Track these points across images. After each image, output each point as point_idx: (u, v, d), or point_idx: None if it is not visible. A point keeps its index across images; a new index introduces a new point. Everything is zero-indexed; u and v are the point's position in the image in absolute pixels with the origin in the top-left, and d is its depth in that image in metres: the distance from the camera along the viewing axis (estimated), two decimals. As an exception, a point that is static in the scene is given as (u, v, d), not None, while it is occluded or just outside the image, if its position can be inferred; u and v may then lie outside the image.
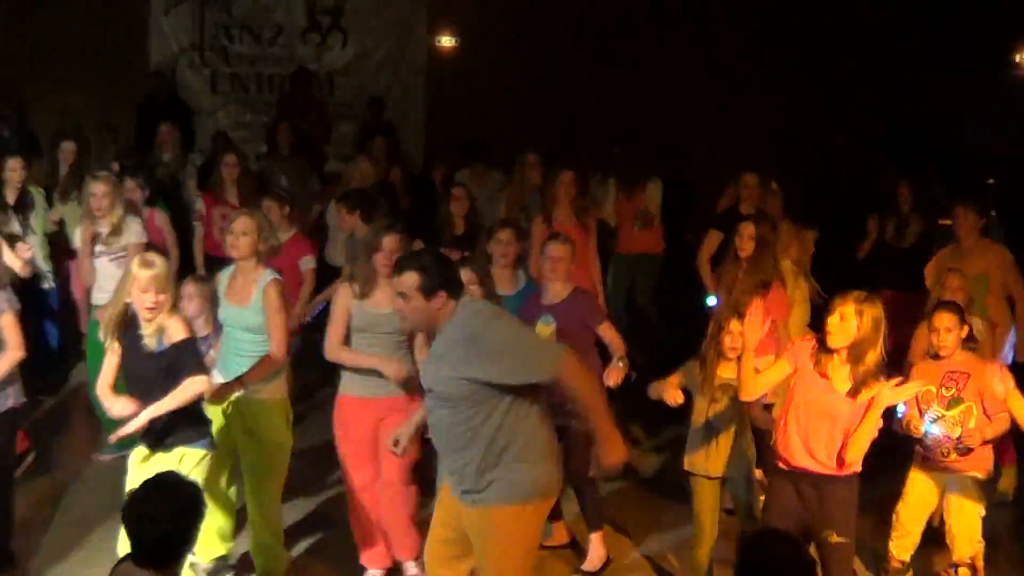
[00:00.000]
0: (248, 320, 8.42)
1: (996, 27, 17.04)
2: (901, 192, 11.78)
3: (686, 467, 8.66)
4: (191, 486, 5.47)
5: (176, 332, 7.39)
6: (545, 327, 8.60)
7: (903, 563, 8.85)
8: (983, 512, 8.58)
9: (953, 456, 8.28)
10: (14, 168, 11.60)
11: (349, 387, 8.54)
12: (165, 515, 5.20)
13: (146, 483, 5.42)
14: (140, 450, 7.73)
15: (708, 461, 8.60)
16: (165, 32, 18.49)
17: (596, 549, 9.32)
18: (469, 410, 6.79)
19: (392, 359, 8.22)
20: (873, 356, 7.33)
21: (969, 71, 17.31)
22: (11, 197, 11.48)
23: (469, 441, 6.83)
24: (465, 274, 7.66)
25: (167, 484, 5.37)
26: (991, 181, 14.68)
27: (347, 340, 8.32)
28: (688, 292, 11.48)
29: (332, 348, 8.16)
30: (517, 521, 6.87)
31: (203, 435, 7.79)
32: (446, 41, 18.75)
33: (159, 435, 7.61)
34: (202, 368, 7.57)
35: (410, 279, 6.61)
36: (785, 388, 7.83)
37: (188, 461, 7.64)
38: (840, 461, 7.56)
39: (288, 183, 13.23)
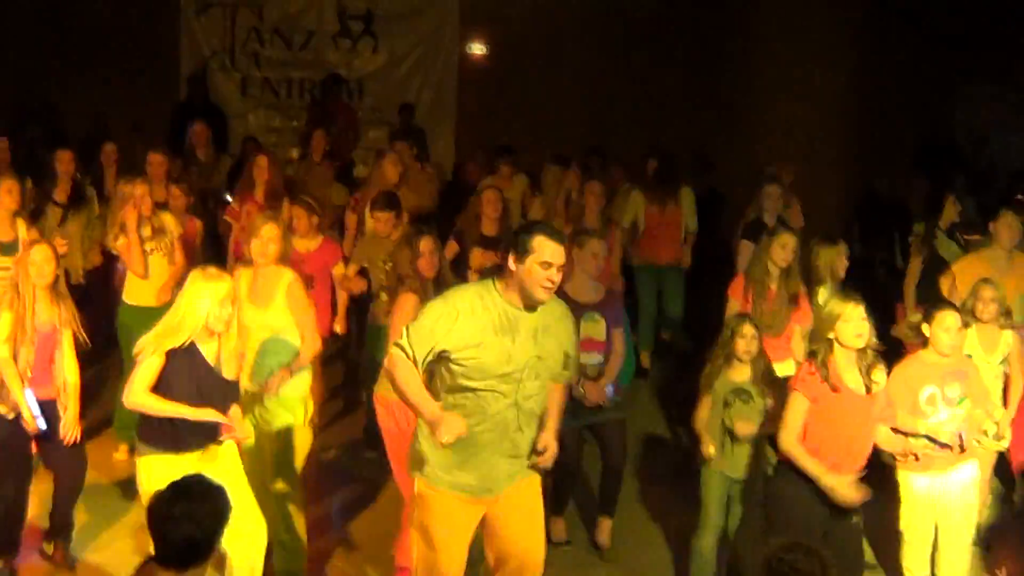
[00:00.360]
0: (271, 321, 8.53)
1: (1018, 37, 17.00)
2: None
3: (704, 455, 8.72)
4: (218, 490, 5.42)
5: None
6: (594, 324, 8.76)
7: None
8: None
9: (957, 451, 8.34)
10: (62, 159, 11.73)
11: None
12: (191, 517, 5.20)
13: (173, 484, 5.38)
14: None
15: (724, 460, 8.70)
16: (196, 35, 18.60)
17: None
18: (545, 385, 7.11)
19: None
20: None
21: (998, 87, 17.32)
22: (63, 190, 11.54)
23: (536, 416, 7.12)
24: None
25: (194, 486, 5.36)
26: (1020, 197, 14.60)
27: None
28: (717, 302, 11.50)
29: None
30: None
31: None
32: (477, 49, 18.76)
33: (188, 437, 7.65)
34: None
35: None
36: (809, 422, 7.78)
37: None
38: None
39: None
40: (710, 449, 8.67)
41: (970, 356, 8.77)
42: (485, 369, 6.82)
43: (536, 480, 7.32)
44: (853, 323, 7.48)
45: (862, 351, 7.53)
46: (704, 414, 8.71)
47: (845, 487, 7.55)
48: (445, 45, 18.91)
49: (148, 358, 7.33)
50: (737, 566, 8.87)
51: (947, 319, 8.26)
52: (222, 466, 7.71)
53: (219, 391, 7.54)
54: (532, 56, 17.88)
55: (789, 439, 7.58)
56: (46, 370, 8.65)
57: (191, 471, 7.05)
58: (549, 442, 7.16)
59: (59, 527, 9.04)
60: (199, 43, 18.58)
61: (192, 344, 7.41)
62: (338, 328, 10.33)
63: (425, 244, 8.56)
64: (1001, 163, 16.93)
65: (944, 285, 10.31)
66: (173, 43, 18.50)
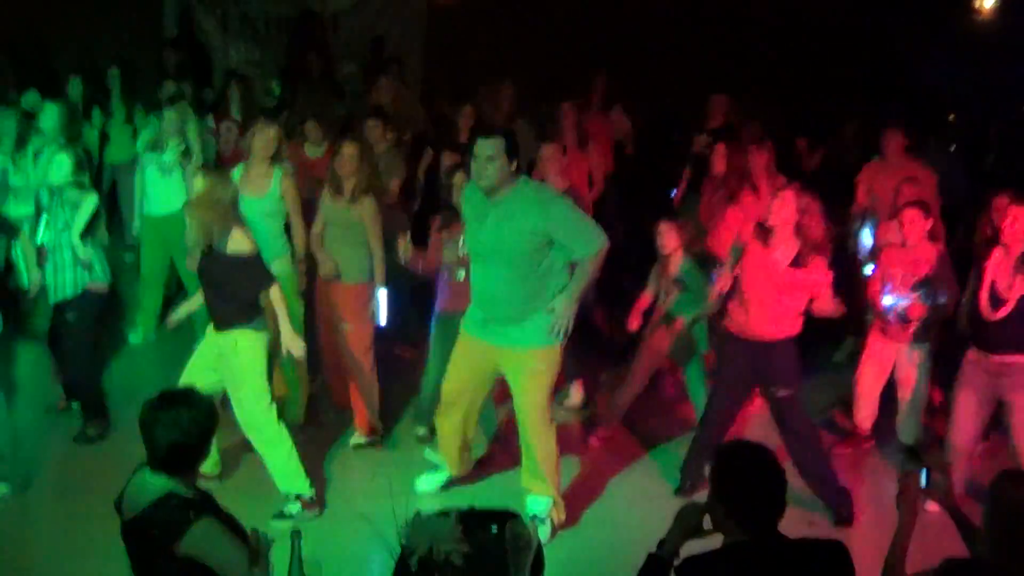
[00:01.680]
0: (266, 207, 9.54)
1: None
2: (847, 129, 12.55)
3: (637, 329, 9.80)
4: (206, 402, 5.55)
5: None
6: None
7: (867, 432, 9.82)
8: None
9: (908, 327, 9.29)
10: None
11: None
12: (176, 424, 5.30)
13: (163, 394, 5.50)
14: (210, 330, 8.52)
15: (654, 347, 9.75)
16: None
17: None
18: (525, 264, 7.82)
19: None
20: (818, 232, 8.41)
21: (930, 16, 17.39)
22: None
23: (521, 291, 7.91)
24: None
25: (182, 397, 5.50)
26: (951, 117, 15.21)
27: None
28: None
29: None
30: (552, 357, 8.12)
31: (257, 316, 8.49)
32: None
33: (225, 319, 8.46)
34: None
35: (500, 142, 7.65)
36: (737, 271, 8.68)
37: (244, 340, 8.45)
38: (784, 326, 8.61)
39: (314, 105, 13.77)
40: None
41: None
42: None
43: (530, 353, 8.08)
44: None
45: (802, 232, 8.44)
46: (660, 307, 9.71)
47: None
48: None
49: None
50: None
51: (910, 214, 9.43)
52: None
53: None
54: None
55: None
56: None
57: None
58: (556, 307, 7.96)
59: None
60: None
61: None
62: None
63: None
64: (930, 88, 16.98)
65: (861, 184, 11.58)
66: None
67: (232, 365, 8.45)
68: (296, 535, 4.94)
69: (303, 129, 11.53)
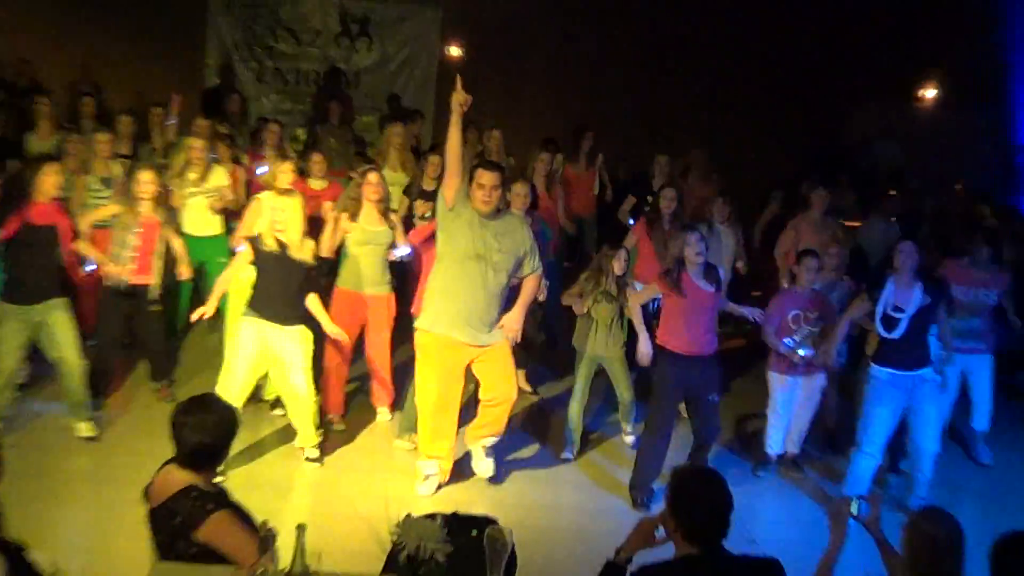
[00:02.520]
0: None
1: (903, 65, 17.38)
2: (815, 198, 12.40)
3: (574, 344, 9.87)
4: (229, 409, 5.57)
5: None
6: None
7: (777, 454, 9.95)
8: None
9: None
10: (125, 123, 12.51)
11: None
12: (202, 426, 5.34)
13: (192, 399, 5.53)
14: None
15: (590, 345, 9.82)
16: (221, 30, 18.55)
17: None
18: (509, 276, 8.55)
19: None
20: None
21: (884, 101, 17.73)
22: (125, 146, 12.04)
23: (502, 298, 8.50)
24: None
25: (208, 402, 5.52)
26: (892, 192, 15.23)
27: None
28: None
29: None
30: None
31: None
32: (454, 51, 18.77)
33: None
34: None
35: (500, 176, 8.43)
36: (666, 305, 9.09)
37: (304, 331, 9.10)
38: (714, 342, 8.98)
39: (337, 145, 14.10)
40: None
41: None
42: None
43: (505, 345, 8.68)
44: (692, 247, 8.86)
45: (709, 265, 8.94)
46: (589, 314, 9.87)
47: (644, 344, 9.15)
48: (428, 47, 18.92)
49: None
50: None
51: (809, 261, 9.51)
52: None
53: None
54: (499, 59, 17.95)
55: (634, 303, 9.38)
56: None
57: None
58: (506, 321, 8.57)
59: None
60: (223, 37, 18.55)
61: None
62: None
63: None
64: (881, 166, 17.24)
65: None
66: (200, 36, 18.43)
67: (295, 350, 9.02)
68: (300, 528, 4.95)
69: (310, 163, 11.52)
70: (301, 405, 9.20)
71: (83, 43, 17.06)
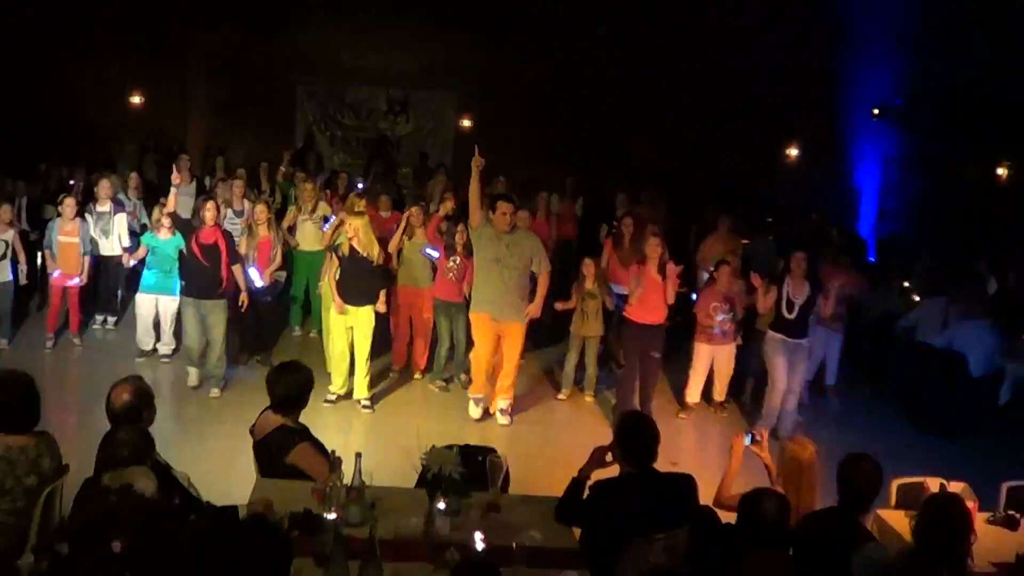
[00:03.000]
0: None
1: (775, 130, 17.54)
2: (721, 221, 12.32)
3: (572, 330, 9.80)
4: (306, 371, 5.51)
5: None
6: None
7: (695, 402, 9.82)
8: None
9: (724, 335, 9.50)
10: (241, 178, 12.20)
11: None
12: (287, 384, 5.36)
13: (280, 364, 5.58)
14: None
15: (581, 328, 9.77)
16: (305, 110, 18.83)
17: None
18: (525, 272, 8.79)
19: None
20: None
21: (762, 154, 17.55)
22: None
23: (523, 287, 8.80)
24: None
25: (291, 366, 5.51)
26: (770, 219, 15.18)
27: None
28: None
29: None
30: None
31: None
32: (466, 123, 18.84)
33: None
34: None
35: (511, 207, 8.74)
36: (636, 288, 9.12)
37: (371, 311, 9.13)
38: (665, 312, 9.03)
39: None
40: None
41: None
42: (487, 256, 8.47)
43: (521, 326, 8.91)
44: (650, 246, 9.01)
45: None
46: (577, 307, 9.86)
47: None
48: (447, 119, 19.07)
49: None
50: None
51: (725, 269, 9.52)
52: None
53: None
54: (501, 128, 17.31)
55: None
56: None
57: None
58: (530, 309, 8.91)
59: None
60: (307, 114, 18.79)
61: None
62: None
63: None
64: (761, 200, 16.82)
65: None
66: (291, 114, 18.75)
67: (368, 321, 9.09)
68: (358, 455, 4.93)
69: (380, 202, 11.44)
70: (360, 365, 9.20)
71: (211, 117, 17.09)
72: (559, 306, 10.03)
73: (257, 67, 17.44)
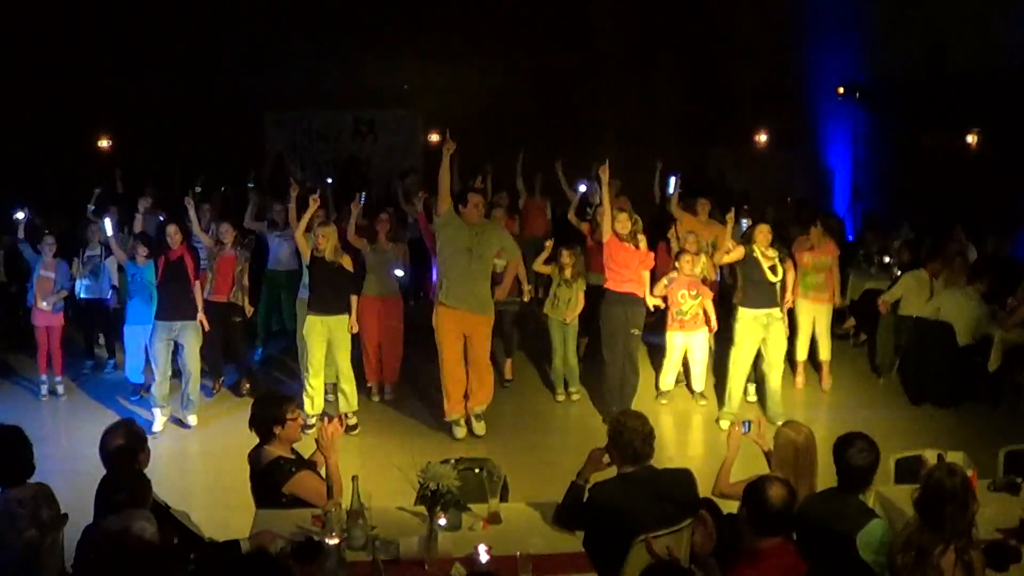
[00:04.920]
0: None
1: (745, 118, 17.58)
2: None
3: (546, 311, 9.77)
4: (272, 400, 5.62)
5: None
6: None
7: (669, 389, 9.85)
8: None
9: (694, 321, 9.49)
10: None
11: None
12: (255, 415, 5.48)
13: (264, 393, 5.69)
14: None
15: (560, 312, 9.75)
16: (273, 137, 18.81)
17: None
18: (489, 262, 8.77)
19: None
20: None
21: (732, 144, 17.80)
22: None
23: (489, 279, 8.82)
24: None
25: (270, 396, 5.71)
26: (745, 207, 15.19)
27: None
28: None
29: None
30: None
31: None
32: (433, 138, 18.49)
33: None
34: None
35: (481, 198, 8.88)
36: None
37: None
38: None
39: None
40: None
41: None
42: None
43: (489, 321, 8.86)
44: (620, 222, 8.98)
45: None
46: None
47: None
48: (414, 137, 19.06)
49: None
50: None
51: (687, 257, 9.43)
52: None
53: None
54: (466, 143, 18.06)
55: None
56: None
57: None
58: (498, 292, 9.01)
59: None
60: (275, 141, 18.78)
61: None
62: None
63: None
64: (733, 188, 17.08)
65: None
66: (260, 141, 18.72)
67: (346, 329, 9.10)
68: (355, 478, 4.93)
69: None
70: (346, 374, 9.25)
71: (186, 151, 17.00)
72: (539, 265, 10.15)
73: (225, 99, 17.42)
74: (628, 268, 9.14)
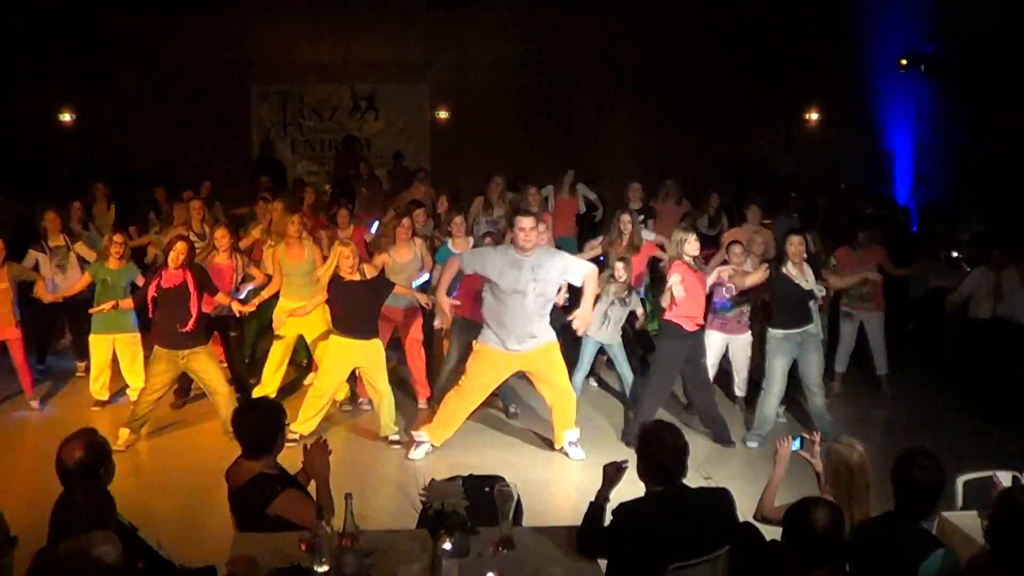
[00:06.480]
0: (305, 269, 9.62)
1: (791, 94, 17.57)
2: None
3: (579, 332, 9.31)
4: (274, 405, 5.60)
5: None
6: None
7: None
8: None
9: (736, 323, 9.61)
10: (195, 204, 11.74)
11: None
12: (254, 425, 5.32)
13: (243, 403, 5.63)
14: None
15: (608, 336, 9.71)
16: (261, 114, 18.79)
17: None
18: (549, 297, 8.36)
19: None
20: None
21: (778, 124, 17.79)
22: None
23: (541, 314, 8.38)
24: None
25: (257, 402, 5.65)
26: (793, 195, 15.21)
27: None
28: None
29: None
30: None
31: None
32: (442, 115, 18.91)
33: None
34: None
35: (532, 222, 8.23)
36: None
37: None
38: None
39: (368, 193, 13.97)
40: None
41: None
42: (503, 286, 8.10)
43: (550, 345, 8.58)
44: (691, 243, 8.78)
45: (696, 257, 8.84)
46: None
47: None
48: (421, 114, 19.08)
49: None
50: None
51: (736, 249, 9.54)
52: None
53: None
54: (476, 119, 18.16)
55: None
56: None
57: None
58: (577, 315, 8.48)
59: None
60: (263, 119, 18.77)
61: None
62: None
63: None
64: (780, 174, 17.27)
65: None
66: (246, 120, 18.67)
67: (379, 353, 9.08)
68: (348, 497, 4.90)
69: (339, 217, 11.43)
70: (388, 403, 9.29)
71: (163, 135, 17.06)
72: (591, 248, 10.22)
73: (205, 70, 17.47)
74: (696, 300, 9.07)
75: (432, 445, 8.85)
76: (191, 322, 8.84)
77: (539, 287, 8.27)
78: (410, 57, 18.74)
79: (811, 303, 9.23)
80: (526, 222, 8.28)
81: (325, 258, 9.56)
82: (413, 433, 8.94)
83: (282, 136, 18.84)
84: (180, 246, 8.96)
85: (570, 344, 9.50)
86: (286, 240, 9.88)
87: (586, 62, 17.98)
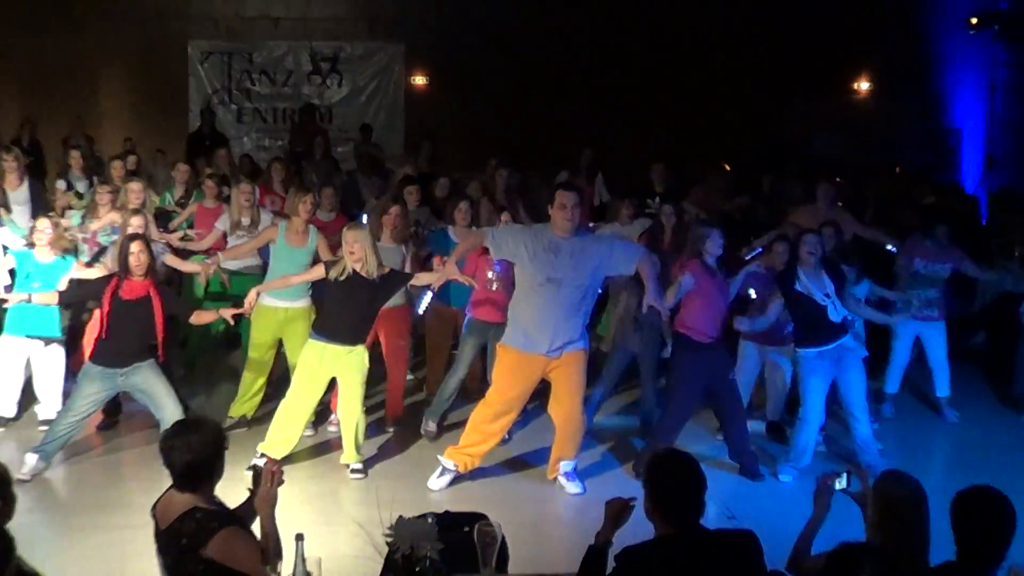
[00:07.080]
0: (305, 257, 9.55)
1: (835, 61, 17.70)
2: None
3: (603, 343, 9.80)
4: (213, 424, 5.43)
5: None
6: None
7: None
8: None
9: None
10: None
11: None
12: (188, 447, 5.18)
13: (176, 423, 5.41)
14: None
15: (629, 339, 9.83)
16: (201, 77, 18.84)
17: None
18: (588, 291, 8.30)
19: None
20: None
21: (821, 94, 17.88)
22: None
23: (579, 311, 8.26)
24: None
25: (192, 424, 5.36)
26: (837, 179, 15.24)
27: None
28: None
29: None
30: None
31: None
32: (419, 80, 19.06)
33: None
34: None
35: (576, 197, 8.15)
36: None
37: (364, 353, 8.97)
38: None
39: (319, 179, 13.73)
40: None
41: None
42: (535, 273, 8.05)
43: (581, 355, 8.46)
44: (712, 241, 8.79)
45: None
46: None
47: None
48: (394, 78, 19.23)
49: None
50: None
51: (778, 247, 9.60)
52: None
53: None
54: (458, 85, 18.33)
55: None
56: None
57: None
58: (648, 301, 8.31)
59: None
60: (204, 83, 18.83)
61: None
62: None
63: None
64: (820, 154, 17.20)
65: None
66: (184, 84, 18.74)
67: (362, 365, 8.90)
68: (299, 537, 4.91)
69: (321, 198, 11.35)
70: (354, 425, 9.22)
71: (78, 99, 17.06)
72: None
73: (131, 22, 17.49)
74: (710, 312, 9.07)
75: (458, 472, 8.79)
76: (159, 349, 8.80)
77: (578, 277, 8.18)
78: (381, 11, 18.76)
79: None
80: (569, 197, 8.18)
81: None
82: (440, 458, 8.85)
83: (226, 104, 18.96)
84: (136, 247, 8.72)
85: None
86: (291, 221, 9.75)
87: (592, 24, 17.99)
